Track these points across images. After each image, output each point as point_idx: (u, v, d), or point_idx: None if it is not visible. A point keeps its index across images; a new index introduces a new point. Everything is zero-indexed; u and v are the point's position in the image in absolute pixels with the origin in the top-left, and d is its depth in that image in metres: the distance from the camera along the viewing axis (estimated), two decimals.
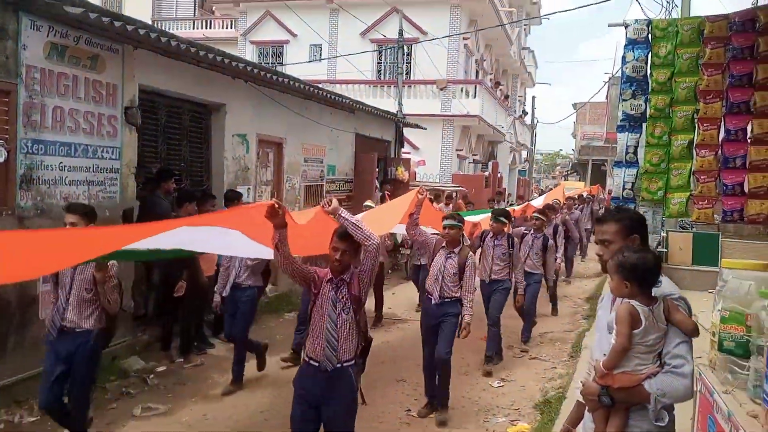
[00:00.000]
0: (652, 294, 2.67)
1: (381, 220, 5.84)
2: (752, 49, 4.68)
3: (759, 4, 6.42)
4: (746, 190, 4.71)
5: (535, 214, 8.85)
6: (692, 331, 2.42)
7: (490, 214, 7.63)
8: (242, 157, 9.04)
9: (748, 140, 4.70)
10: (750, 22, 4.70)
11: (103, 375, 6.00)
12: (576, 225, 13.76)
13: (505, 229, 7.31)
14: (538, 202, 13.38)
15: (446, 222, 5.78)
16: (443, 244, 5.81)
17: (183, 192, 7.33)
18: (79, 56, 5.98)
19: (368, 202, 9.26)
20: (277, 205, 3.49)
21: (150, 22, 23.42)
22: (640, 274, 2.62)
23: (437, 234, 6.09)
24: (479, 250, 7.38)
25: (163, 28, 22.31)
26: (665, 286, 2.68)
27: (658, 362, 2.59)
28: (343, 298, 3.78)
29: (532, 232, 8.53)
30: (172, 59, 7.24)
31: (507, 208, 10.76)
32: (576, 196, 17.46)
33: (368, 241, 3.74)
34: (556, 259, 9.66)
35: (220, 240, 4.23)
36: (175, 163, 8.01)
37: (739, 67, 4.66)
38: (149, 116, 7.35)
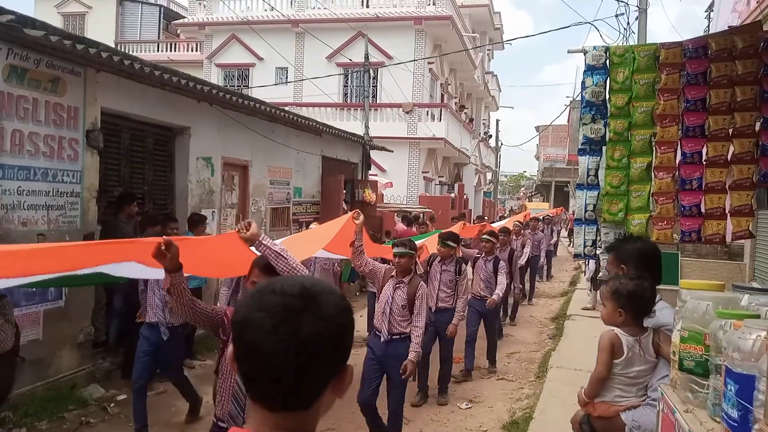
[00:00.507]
0: (644, 324, 2.62)
1: (305, 245, 5.28)
2: (705, 75, 4.83)
3: (711, 32, 6.67)
4: (703, 211, 4.84)
5: (484, 236, 8.20)
6: None
7: (437, 237, 7.02)
8: (207, 180, 8.96)
9: (704, 163, 4.84)
10: (703, 49, 4.86)
11: (61, 404, 5.82)
12: (538, 246, 13.77)
13: (454, 253, 6.74)
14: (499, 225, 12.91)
15: (397, 250, 5.16)
16: (393, 273, 5.21)
17: (146, 216, 7.22)
18: (39, 79, 5.88)
19: (314, 225, 8.90)
20: (164, 246, 2.92)
21: (114, 45, 23.21)
22: (636, 302, 2.55)
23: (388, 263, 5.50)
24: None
25: (127, 51, 22.08)
26: (663, 315, 2.60)
27: (645, 396, 2.55)
28: None
29: (483, 255, 8.00)
30: (135, 82, 7.17)
31: (458, 224, 10.24)
32: (541, 217, 17.69)
33: (294, 274, 3.14)
34: (513, 288, 9.30)
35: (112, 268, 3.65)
36: (139, 186, 7.89)
37: (694, 92, 4.81)
38: (112, 139, 7.24)
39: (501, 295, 7.84)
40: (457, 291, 6.61)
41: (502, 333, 9.51)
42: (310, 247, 5.33)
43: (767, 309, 2.11)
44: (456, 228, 8.90)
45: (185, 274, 3.07)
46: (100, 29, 27.22)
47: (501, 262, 7.91)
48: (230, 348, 1.16)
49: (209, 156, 8.97)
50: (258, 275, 3.22)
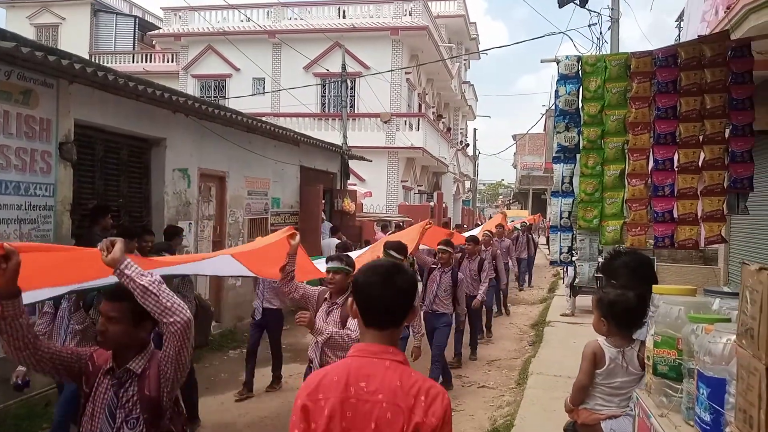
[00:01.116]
0: (633, 336, 2.64)
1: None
2: (675, 84, 4.93)
3: (680, 42, 6.81)
4: (676, 216, 4.92)
5: (440, 246, 7.46)
6: None
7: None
8: (183, 191, 8.88)
9: (676, 169, 4.92)
10: (672, 58, 4.96)
11: (35, 422, 5.70)
12: (507, 253, 13.45)
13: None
14: (476, 232, 12.14)
15: (330, 265, 4.42)
16: (326, 296, 4.46)
17: (123, 228, 7.11)
18: (10, 91, 5.79)
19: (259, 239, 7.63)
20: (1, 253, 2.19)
21: (88, 56, 22.98)
22: (617, 312, 2.59)
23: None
24: None
25: (102, 62, 21.88)
26: None
27: (628, 406, 2.58)
28: (128, 402, 2.40)
29: (439, 266, 7.39)
30: (110, 93, 7.10)
31: (422, 221, 9.24)
32: (519, 225, 17.77)
33: (169, 317, 2.33)
34: (476, 296, 8.67)
35: None
36: (114, 198, 7.79)
37: (664, 101, 4.90)
38: (86, 151, 7.15)
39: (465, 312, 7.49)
40: None
41: (476, 350, 9.08)
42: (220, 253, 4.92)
43: (737, 313, 2.14)
44: (418, 226, 7.60)
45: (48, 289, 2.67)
46: (74, 41, 26.94)
47: (459, 274, 7.42)
48: (350, 299, 1.98)
49: (185, 167, 8.90)
50: (105, 304, 2.49)
